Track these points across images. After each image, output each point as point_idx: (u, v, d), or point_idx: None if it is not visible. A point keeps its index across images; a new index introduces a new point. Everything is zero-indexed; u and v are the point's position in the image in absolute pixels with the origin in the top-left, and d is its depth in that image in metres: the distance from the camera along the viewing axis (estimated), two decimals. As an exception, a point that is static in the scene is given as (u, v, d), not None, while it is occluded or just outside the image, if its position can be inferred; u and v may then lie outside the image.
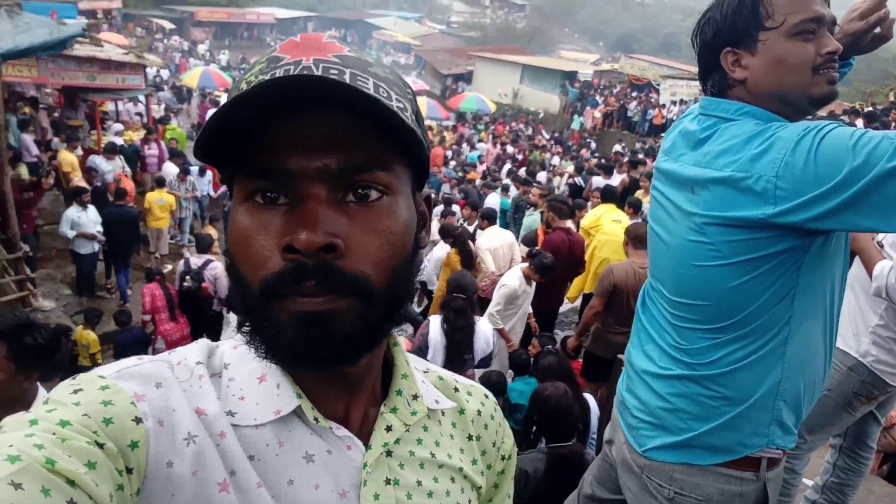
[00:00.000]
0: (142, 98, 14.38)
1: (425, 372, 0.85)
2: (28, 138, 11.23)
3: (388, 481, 0.70)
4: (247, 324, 0.65)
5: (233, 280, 0.65)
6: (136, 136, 12.73)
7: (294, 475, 0.65)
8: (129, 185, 9.92)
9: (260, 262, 0.61)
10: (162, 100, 19.46)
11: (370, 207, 0.63)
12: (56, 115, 13.88)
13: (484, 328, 4.44)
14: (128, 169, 11.03)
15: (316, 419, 0.67)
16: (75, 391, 0.59)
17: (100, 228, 8.13)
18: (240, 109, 0.57)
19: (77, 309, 8.11)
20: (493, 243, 6.94)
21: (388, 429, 0.73)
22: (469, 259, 6.57)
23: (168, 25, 40.93)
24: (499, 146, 19.06)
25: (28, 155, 10.74)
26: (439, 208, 9.71)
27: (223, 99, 17.96)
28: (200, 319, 7.04)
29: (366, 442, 0.71)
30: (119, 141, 11.96)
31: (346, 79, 0.59)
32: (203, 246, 7.35)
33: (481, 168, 15.60)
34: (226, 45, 41.42)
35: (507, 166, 16.83)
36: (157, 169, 11.15)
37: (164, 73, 25.97)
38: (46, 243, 9.45)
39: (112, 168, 10.55)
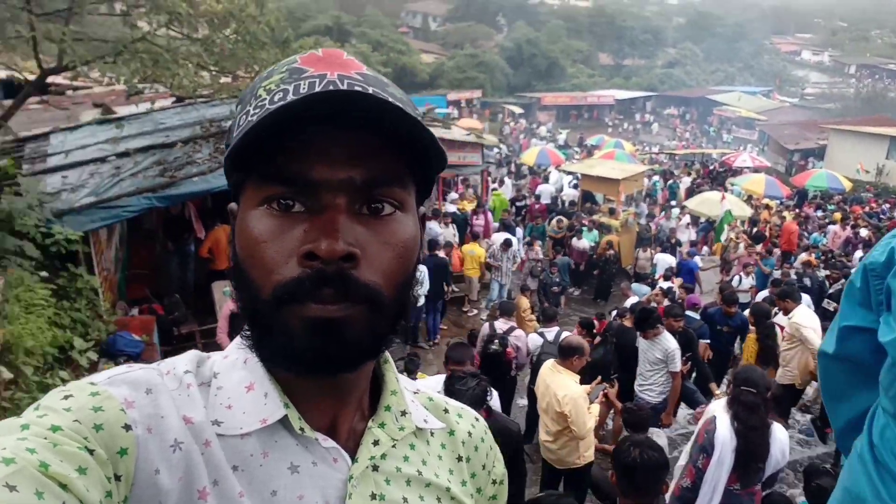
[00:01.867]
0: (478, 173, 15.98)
1: (415, 392, 0.85)
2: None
3: (373, 496, 0.70)
4: (247, 328, 0.67)
5: (239, 284, 0.66)
6: (470, 206, 14.14)
7: (278, 486, 0.65)
8: (456, 256, 11.19)
9: (275, 268, 0.62)
10: (499, 176, 21.36)
11: (384, 221, 0.65)
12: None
13: (781, 436, 3.76)
14: (457, 236, 12.26)
15: (302, 429, 0.67)
16: (66, 397, 0.60)
17: (423, 285, 9.15)
18: (269, 118, 0.59)
19: (400, 355, 9.24)
20: (813, 322, 6.10)
21: (376, 443, 0.73)
22: (769, 355, 5.90)
23: (517, 110, 44.94)
24: (849, 228, 16.66)
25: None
26: (764, 294, 8.87)
27: (553, 174, 19.13)
28: (496, 383, 7.43)
29: (352, 455, 0.71)
30: (453, 209, 13.47)
31: (370, 93, 0.61)
32: (507, 311, 7.80)
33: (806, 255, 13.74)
34: (566, 126, 43.85)
35: (859, 253, 14.62)
36: (481, 236, 12.21)
37: (502, 150, 28.50)
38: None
39: (444, 233, 11.90)
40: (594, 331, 7.53)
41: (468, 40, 57.12)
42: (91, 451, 0.55)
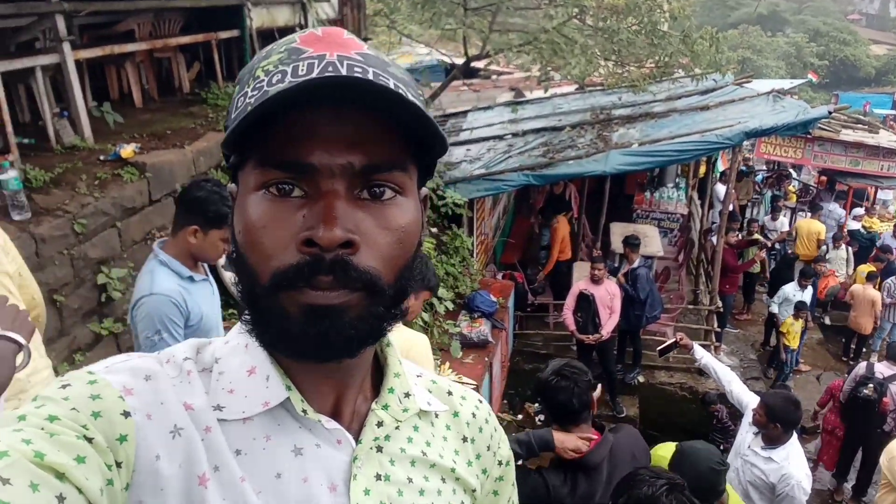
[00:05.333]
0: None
1: (418, 376, 0.85)
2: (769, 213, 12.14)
3: (378, 477, 0.70)
4: (247, 314, 0.67)
5: (239, 269, 0.65)
6: (883, 226, 12.01)
7: (282, 469, 0.65)
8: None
9: (274, 253, 0.61)
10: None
11: (384, 205, 0.64)
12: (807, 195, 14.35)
13: None
14: (852, 260, 10.51)
15: (304, 411, 0.67)
16: (63, 386, 0.60)
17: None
18: (268, 103, 0.58)
19: (752, 374, 8.50)
20: None
21: (380, 424, 0.73)
22: None
23: None
24: None
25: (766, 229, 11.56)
26: None
27: None
28: (862, 433, 6.46)
29: (356, 437, 0.71)
30: (856, 226, 11.60)
31: (370, 77, 0.60)
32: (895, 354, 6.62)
33: None
34: None
35: None
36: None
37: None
38: (761, 309, 10.11)
39: (832, 255, 10.40)
40: None
41: (942, 27, 47.16)
42: (90, 440, 0.56)
